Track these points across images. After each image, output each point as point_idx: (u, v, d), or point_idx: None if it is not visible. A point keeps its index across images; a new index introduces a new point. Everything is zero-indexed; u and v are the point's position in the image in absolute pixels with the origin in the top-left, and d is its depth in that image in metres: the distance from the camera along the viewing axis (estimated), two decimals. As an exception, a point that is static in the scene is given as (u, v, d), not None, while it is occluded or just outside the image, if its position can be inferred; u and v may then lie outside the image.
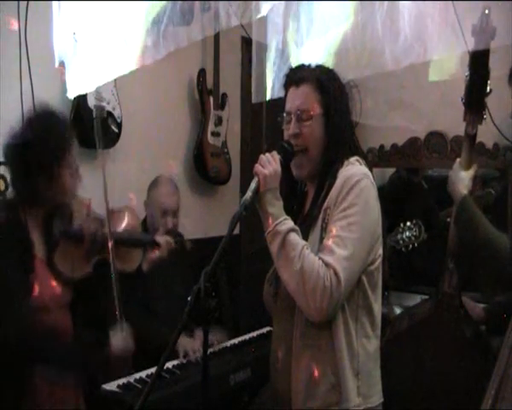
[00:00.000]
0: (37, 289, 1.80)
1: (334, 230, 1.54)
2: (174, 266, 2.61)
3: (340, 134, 1.67)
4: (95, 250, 2.03)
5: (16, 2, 2.33)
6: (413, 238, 2.78)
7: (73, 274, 1.94)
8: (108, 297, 2.02)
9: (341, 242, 1.52)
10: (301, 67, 1.74)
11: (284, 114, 1.72)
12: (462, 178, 2.04)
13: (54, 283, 1.89)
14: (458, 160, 2.11)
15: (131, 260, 2.20)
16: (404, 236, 2.80)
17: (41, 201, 1.88)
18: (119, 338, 1.94)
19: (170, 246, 2.39)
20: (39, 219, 1.91)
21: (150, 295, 2.56)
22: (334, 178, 1.62)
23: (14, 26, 2.32)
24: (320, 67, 1.72)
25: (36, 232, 1.89)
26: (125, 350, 1.94)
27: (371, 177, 1.64)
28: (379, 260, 1.64)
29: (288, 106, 1.71)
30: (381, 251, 1.65)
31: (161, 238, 2.37)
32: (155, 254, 2.31)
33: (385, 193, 3.65)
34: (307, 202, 1.75)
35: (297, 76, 1.71)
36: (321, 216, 1.62)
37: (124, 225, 2.26)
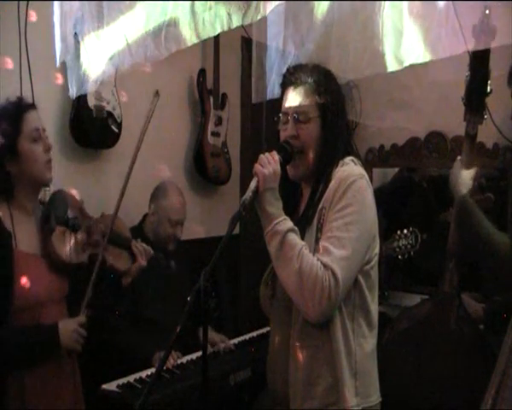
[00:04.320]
0: (22, 283, 1.75)
1: (330, 230, 1.54)
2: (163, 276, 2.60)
3: (336, 136, 1.67)
4: (90, 242, 1.99)
5: (16, 2, 2.34)
6: (409, 246, 2.78)
7: (71, 258, 1.90)
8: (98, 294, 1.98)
9: (338, 242, 1.52)
10: (299, 67, 1.73)
11: (281, 115, 1.72)
12: (463, 177, 2.03)
13: (42, 276, 1.84)
14: (459, 158, 2.10)
15: (123, 261, 2.13)
16: (400, 243, 2.80)
17: (14, 186, 1.82)
18: (68, 330, 1.85)
19: (148, 255, 2.17)
20: (24, 212, 1.87)
21: (139, 305, 2.54)
22: (329, 178, 1.63)
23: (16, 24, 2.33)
24: (318, 68, 1.71)
25: (21, 226, 1.83)
26: (69, 345, 1.85)
27: (367, 177, 1.64)
28: (375, 260, 1.64)
29: (286, 106, 1.71)
30: (377, 250, 1.65)
31: (138, 246, 2.14)
32: (135, 265, 2.12)
33: (386, 191, 3.65)
34: (302, 203, 1.75)
35: (295, 76, 1.70)
36: (316, 217, 1.62)
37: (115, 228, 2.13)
